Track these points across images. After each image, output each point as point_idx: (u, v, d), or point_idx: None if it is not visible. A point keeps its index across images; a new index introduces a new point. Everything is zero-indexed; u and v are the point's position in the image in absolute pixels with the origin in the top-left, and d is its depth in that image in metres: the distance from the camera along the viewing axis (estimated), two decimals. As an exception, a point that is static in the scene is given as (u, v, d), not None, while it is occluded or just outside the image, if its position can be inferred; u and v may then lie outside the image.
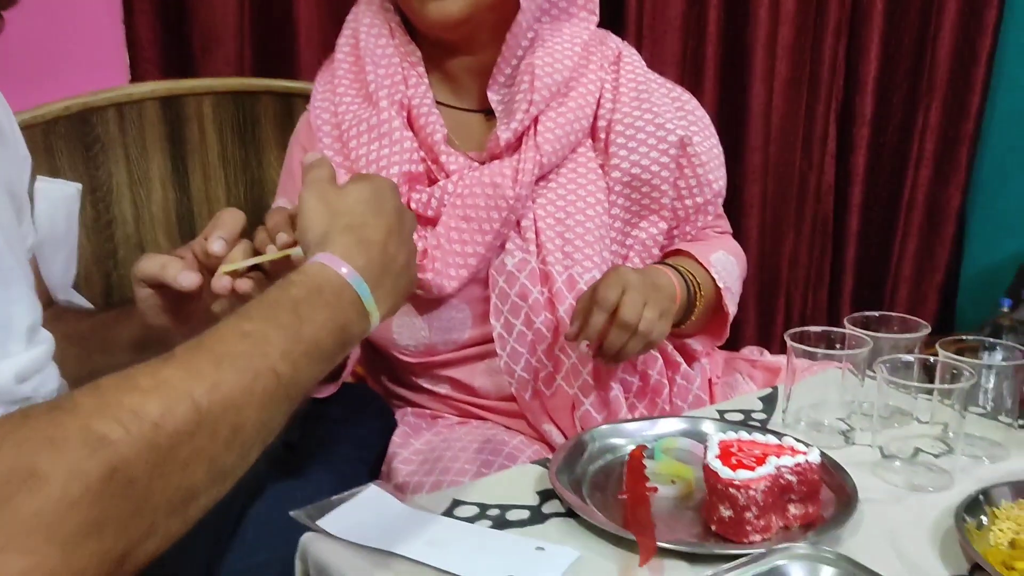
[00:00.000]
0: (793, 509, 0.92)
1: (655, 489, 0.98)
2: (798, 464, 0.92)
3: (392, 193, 0.93)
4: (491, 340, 1.30)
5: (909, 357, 1.07)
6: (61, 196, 1.48)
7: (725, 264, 1.39)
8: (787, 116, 2.59)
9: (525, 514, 0.95)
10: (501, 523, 0.94)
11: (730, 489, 0.89)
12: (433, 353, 1.33)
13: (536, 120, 1.30)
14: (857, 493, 0.95)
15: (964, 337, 1.13)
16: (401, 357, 1.35)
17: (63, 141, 1.55)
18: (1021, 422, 1.13)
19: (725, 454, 0.93)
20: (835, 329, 1.14)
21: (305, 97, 1.43)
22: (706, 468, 0.92)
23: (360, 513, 0.93)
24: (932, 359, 1.06)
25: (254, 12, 2.04)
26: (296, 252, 0.91)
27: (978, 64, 2.62)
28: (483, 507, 0.96)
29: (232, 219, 0.96)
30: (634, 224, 1.37)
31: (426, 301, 1.29)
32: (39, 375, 0.88)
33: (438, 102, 1.35)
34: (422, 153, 1.31)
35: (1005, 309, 2.29)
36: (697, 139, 1.35)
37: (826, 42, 2.56)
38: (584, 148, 1.34)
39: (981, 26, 2.59)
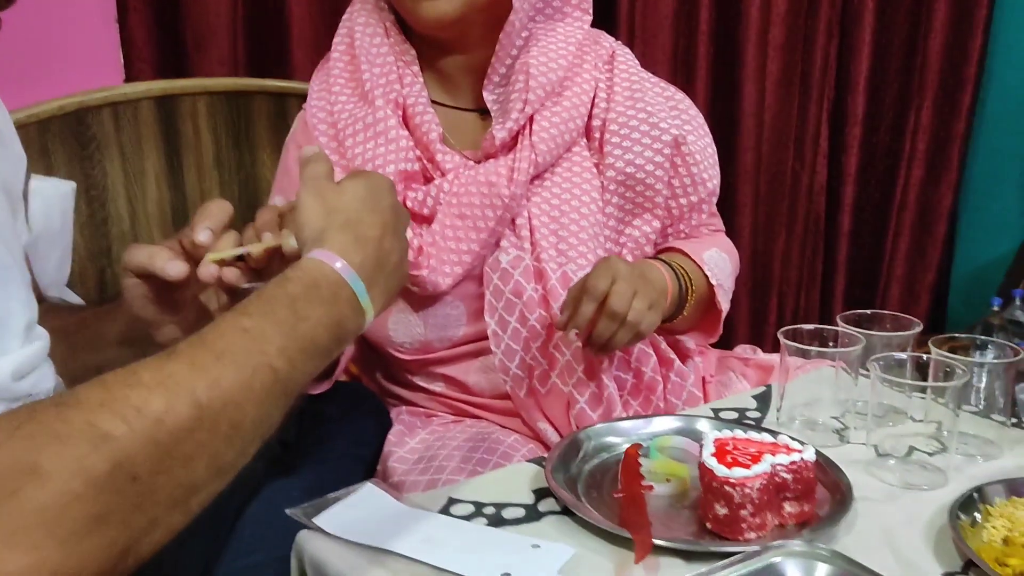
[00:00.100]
0: (788, 507, 0.93)
1: (651, 487, 0.98)
2: (793, 462, 0.92)
3: (388, 190, 0.93)
4: (486, 337, 1.30)
5: (902, 355, 1.07)
6: (56, 194, 1.48)
7: (718, 261, 1.40)
8: (779, 115, 2.60)
9: (521, 512, 0.95)
10: (497, 521, 0.94)
11: (726, 487, 0.89)
12: (428, 350, 1.34)
13: (531, 119, 1.30)
14: (852, 491, 0.96)
15: (957, 336, 1.14)
16: (396, 354, 1.35)
17: (58, 140, 1.55)
18: (1014, 420, 1.14)
19: (720, 452, 0.93)
20: (828, 327, 1.14)
21: (298, 97, 1.43)
22: (702, 466, 0.92)
23: (356, 511, 0.93)
24: (925, 357, 1.07)
25: (247, 12, 2.05)
26: (289, 243, 0.91)
27: (969, 63, 2.63)
28: (479, 505, 0.97)
29: (219, 209, 0.96)
30: (628, 222, 1.37)
31: (421, 298, 1.30)
32: (36, 372, 0.87)
33: (433, 101, 1.35)
34: (418, 152, 1.31)
35: (996, 308, 2.30)
36: (691, 138, 1.36)
37: (818, 41, 2.57)
38: (579, 147, 1.35)
39: (972, 25, 2.61)
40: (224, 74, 1.99)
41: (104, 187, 1.60)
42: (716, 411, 1.21)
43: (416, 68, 1.35)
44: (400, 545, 0.87)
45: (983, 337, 1.14)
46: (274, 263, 0.93)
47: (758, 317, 2.73)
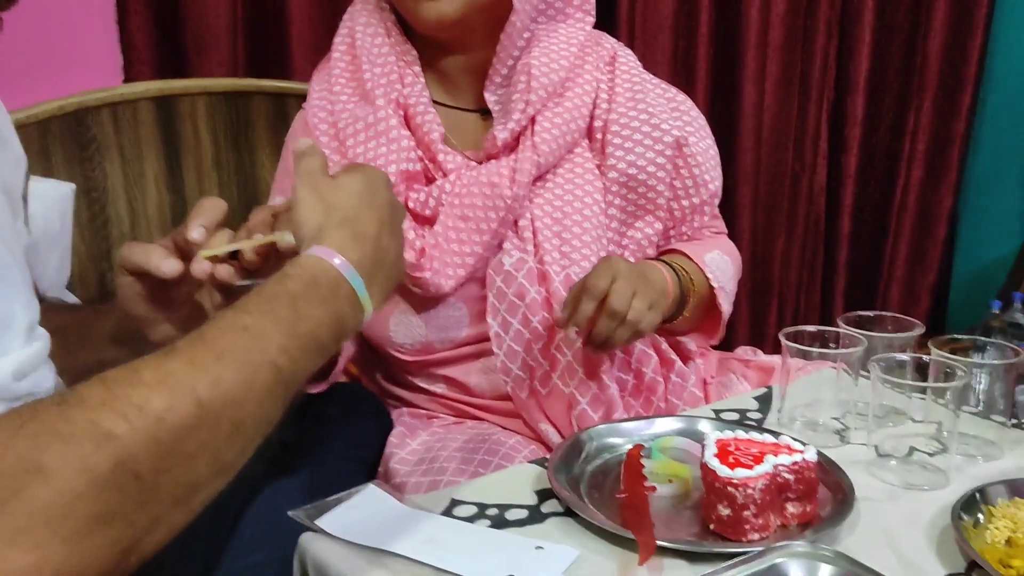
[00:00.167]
0: (791, 507, 0.93)
1: (653, 488, 0.98)
2: (795, 463, 0.92)
3: (384, 185, 0.93)
4: (487, 339, 1.30)
5: (903, 356, 1.08)
6: (55, 196, 1.48)
7: (719, 263, 1.40)
8: (779, 116, 2.59)
9: (524, 513, 0.95)
10: (500, 523, 0.94)
11: (728, 487, 0.89)
12: (430, 351, 1.33)
13: (533, 120, 1.30)
14: (854, 491, 0.96)
15: (957, 337, 1.14)
16: (397, 355, 1.35)
17: (58, 141, 1.55)
18: (1014, 421, 1.14)
19: (723, 453, 0.93)
20: (829, 328, 1.14)
21: (297, 97, 1.43)
22: (704, 466, 0.92)
23: (359, 512, 0.93)
24: (925, 358, 1.07)
25: (247, 13, 2.04)
26: (284, 239, 0.91)
27: (969, 63, 2.63)
28: (482, 507, 0.97)
29: (213, 207, 0.96)
30: (630, 224, 1.37)
31: (423, 300, 1.29)
32: (36, 372, 0.87)
33: (435, 101, 1.35)
34: (419, 152, 1.31)
35: (996, 311, 2.30)
36: (693, 140, 1.36)
37: (817, 42, 2.57)
38: (581, 148, 1.35)
39: (972, 25, 2.60)
40: (223, 76, 1.99)
41: (104, 189, 1.60)
42: (717, 412, 1.21)
43: (417, 68, 1.35)
44: (403, 547, 0.87)
45: (983, 338, 1.15)
46: (270, 261, 0.93)
47: (758, 319, 2.73)
